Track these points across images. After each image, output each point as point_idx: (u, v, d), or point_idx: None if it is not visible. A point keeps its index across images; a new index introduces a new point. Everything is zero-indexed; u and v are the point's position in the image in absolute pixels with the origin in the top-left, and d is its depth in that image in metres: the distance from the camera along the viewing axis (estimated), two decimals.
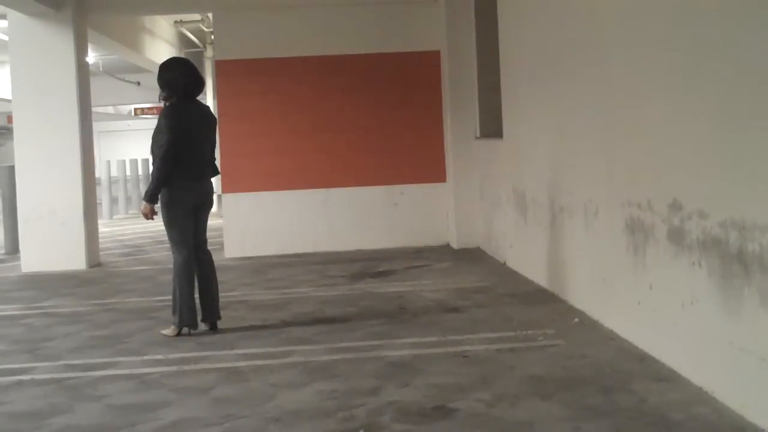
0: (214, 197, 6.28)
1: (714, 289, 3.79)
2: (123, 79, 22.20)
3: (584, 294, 5.71)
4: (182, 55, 18.53)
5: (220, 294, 5.97)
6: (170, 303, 5.71)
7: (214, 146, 5.95)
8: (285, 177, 9.73)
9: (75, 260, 9.16)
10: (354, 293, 6.97)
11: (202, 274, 5.78)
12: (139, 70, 19.46)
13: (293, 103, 9.81)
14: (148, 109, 32.99)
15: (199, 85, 5.81)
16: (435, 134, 9.76)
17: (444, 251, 9.22)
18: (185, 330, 5.66)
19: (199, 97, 6.01)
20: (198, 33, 17.51)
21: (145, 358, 5.15)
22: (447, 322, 5.76)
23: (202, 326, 5.76)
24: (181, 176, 5.60)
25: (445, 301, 6.45)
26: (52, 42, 9.17)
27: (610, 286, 5.19)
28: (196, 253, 5.74)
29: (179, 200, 5.63)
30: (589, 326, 5.33)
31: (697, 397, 3.87)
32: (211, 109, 8.03)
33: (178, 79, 5.70)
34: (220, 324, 5.83)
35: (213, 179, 6.09)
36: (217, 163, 6.17)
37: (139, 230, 13.67)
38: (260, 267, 8.76)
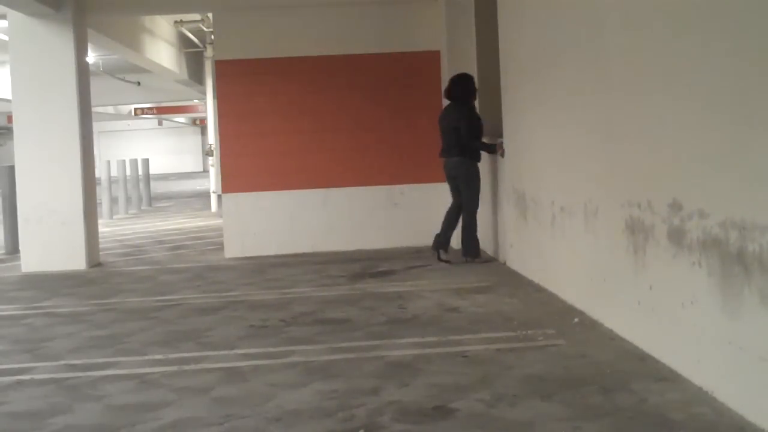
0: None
1: (714, 289, 3.79)
2: (123, 79, 22.19)
3: (584, 294, 5.71)
4: (182, 55, 18.57)
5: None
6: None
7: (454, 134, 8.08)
8: (285, 177, 9.72)
9: (75, 260, 9.16)
10: (354, 293, 6.97)
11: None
12: (139, 70, 19.45)
13: (293, 103, 9.81)
14: (148, 109, 33.00)
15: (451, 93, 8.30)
16: (435, 134, 9.73)
17: None
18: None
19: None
20: (198, 33, 17.49)
21: (145, 358, 5.15)
22: (447, 322, 5.76)
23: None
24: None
25: (445, 301, 6.45)
26: (52, 42, 9.17)
27: (610, 286, 5.19)
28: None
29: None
30: (589, 326, 5.33)
31: (697, 397, 3.87)
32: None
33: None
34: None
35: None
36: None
37: (139, 230, 13.67)
38: (260, 267, 8.75)
